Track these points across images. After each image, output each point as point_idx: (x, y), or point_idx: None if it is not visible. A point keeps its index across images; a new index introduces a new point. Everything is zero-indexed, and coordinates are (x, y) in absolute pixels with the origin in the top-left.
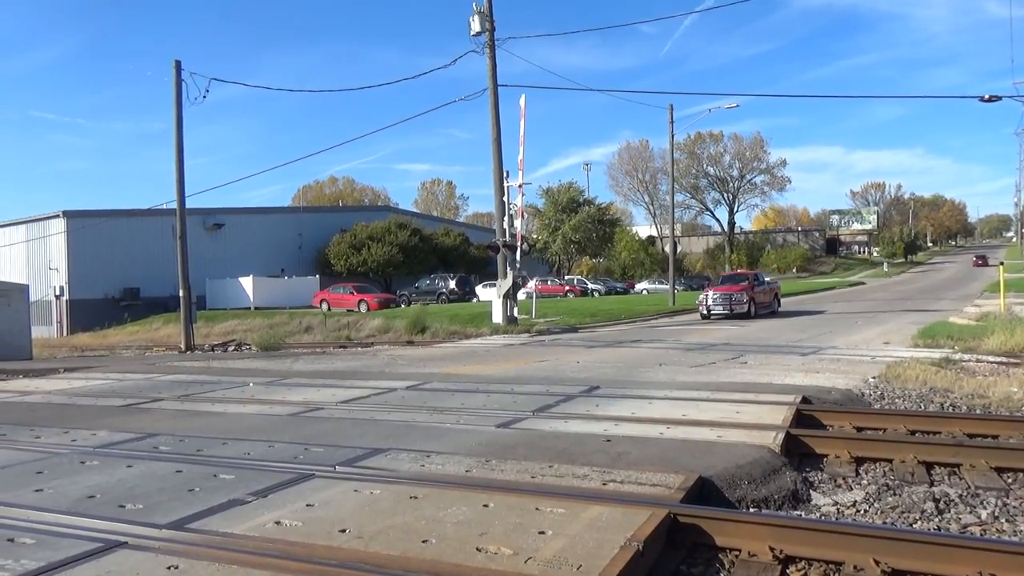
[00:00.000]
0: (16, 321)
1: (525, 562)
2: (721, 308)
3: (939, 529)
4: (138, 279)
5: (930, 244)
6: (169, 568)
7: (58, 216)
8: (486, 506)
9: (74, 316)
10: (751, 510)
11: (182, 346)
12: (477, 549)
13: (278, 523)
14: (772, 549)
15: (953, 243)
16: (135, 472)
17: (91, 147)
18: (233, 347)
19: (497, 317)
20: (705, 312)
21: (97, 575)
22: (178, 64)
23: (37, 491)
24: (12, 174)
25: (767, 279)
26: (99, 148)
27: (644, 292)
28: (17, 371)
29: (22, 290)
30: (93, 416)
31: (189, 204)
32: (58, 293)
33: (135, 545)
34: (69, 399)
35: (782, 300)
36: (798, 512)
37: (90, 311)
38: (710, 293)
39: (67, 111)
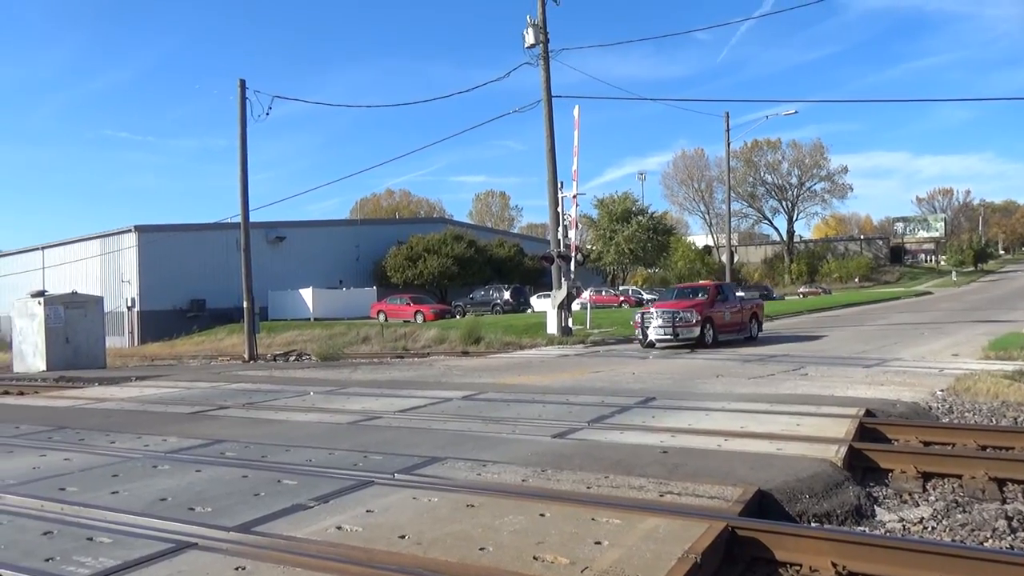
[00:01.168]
0: (92, 332)
1: (582, 572)
2: (662, 332)
3: (1012, 548)
4: (204, 291)
5: (1002, 252)
6: (237, 569)
7: (130, 231)
8: (542, 515)
9: (144, 327)
10: (812, 525)
11: (245, 356)
12: (534, 558)
13: (339, 528)
14: (835, 565)
15: None
16: (203, 476)
17: (160, 163)
18: (294, 357)
19: (551, 328)
20: (641, 337)
21: (170, 574)
22: (243, 83)
23: (113, 493)
24: (87, 190)
25: (742, 294)
26: (167, 164)
27: None
28: (93, 379)
29: (97, 302)
30: (163, 422)
31: (252, 218)
32: (130, 304)
33: (204, 546)
34: (141, 406)
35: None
36: (862, 528)
37: (159, 322)
38: (652, 311)
39: (138, 129)
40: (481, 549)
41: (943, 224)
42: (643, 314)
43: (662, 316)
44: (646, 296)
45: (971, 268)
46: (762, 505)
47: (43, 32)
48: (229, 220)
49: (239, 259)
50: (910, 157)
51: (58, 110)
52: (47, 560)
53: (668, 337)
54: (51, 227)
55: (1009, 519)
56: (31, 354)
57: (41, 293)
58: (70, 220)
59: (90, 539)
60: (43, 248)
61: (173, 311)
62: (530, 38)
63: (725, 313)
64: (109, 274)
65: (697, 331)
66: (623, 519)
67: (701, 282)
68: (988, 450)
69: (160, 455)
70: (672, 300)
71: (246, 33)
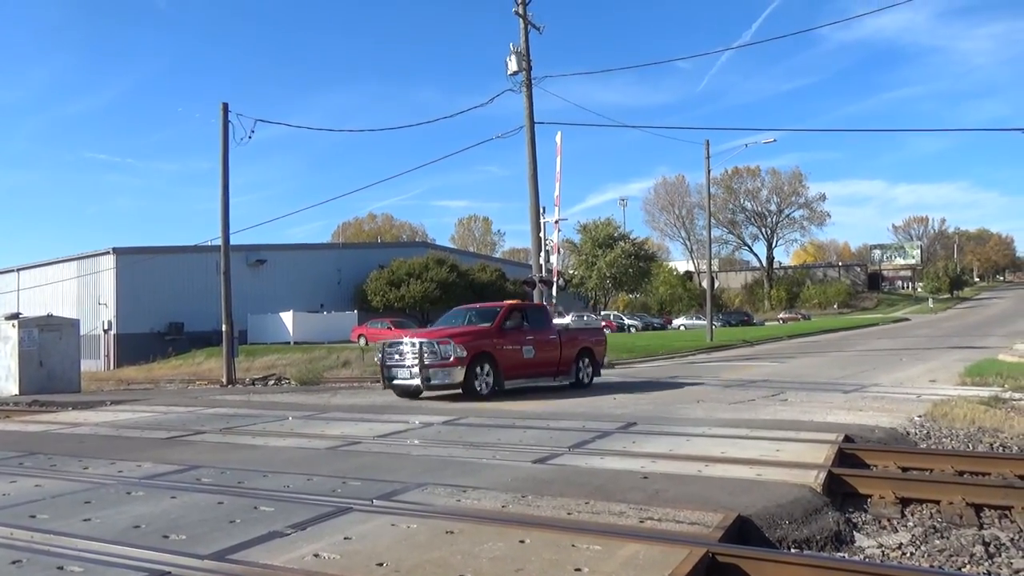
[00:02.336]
0: (67, 355)
1: None
2: (407, 374)
3: (989, 574)
4: (182, 314)
5: (976, 279)
6: None
7: (108, 253)
8: (522, 542)
9: (121, 350)
10: (792, 550)
11: (224, 380)
12: None
13: (317, 556)
14: None
15: (1001, 278)
16: (178, 503)
17: (140, 186)
18: (273, 381)
19: None
20: (385, 379)
21: None
22: (225, 106)
23: (85, 520)
24: (65, 212)
25: (567, 320)
26: (147, 187)
27: (681, 328)
28: (67, 403)
29: (73, 325)
30: (139, 448)
31: (232, 241)
32: (106, 327)
33: (178, 575)
34: (116, 431)
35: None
36: (841, 554)
37: (136, 345)
38: (402, 341)
39: (118, 152)
40: None
41: (919, 251)
42: (386, 345)
43: (411, 349)
44: (626, 321)
45: (947, 295)
46: (742, 531)
47: (24, 54)
48: (209, 243)
49: (219, 282)
50: (886, 185)
51: (37, 132)
52: None
53: (413, 383)
54: (28, 249)
55: (986, 544)
56: (3, 377)
57: (15, 315)
58: (48, 242)
59: (60, 568)
60: (19, 270)
61: (150, 334)
62: (513, 65)
63: (524, 348)
64: (86, 296)
65: (460, 374)
66: (603, 545)
67: (491, 304)
68: (965, 476)
69: (134, 481)
70: (440, 329)
71: (230, 56)
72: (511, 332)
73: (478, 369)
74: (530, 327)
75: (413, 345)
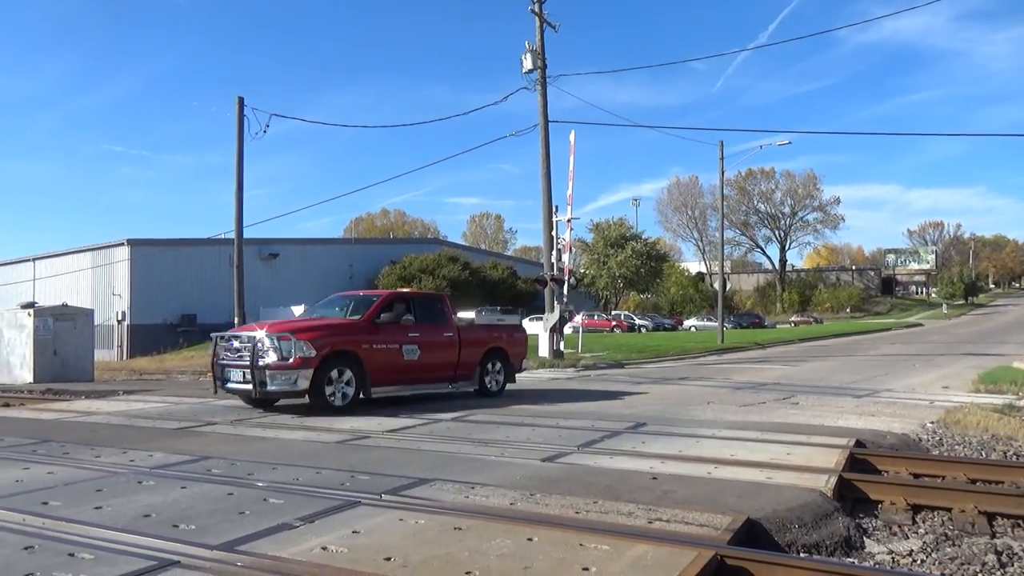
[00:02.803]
0: (81, 345)
1: None
2: (240, 376)
3: None
4: (195, 306)
5: (992, 286)
6: None
7: (123, 244)
8: (530, 540)
9: (134, 340)
10: (801, 555)
11: None
12: None
13: (325, 548)
14: None
15: (1017, 285)
16: (189, 493)
17: (155, 179)
18: None
19: (543, 351)
20: (218, 381)
21: None
22: (241, 100)
23: (97, 508)
24: (80, 204)
25: (471, 315)
26: (162, 180)
27: (692, 329)
28: (80, 392)
29: (87, 315)
30: (150, 438)
31: (246, 234)
32: (120, 318)
33: (187, 564)
34: (128, 420)
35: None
36: (851, 559)
37: (149, 336)
38: (238, 336)
39: (133, 144)
40: (468, 573)
41: (934, 257)
42: (220, 339)
43: (246, 345)
44: (637, 321)
45: (961, 301)
46: (751, 534)
47: (41, 47)
48: (222, 236)
49: (231, 275)
50: (902, 190)
51: (53, 124)
52: (27, 575)
53: (245, 387)
54: (44, 239)
55: (999, 553)
56: (18, 365)
57: (31, 304)
58: (63, 233)
59: (71, 555)
60: (34, 259)
61: (163, 325)
62: (528, 63)
63: (405, 347)
64: (100, 287)
65: (306, 378)
66: (612, 545)
67: (366, 291)
68: (978, 483)
69: (145, 471)
70: (302, 318)
71: (246, 52)
72: (387, 328)
73: (335, 373)
74: (417, 322)
75: (249, 340)
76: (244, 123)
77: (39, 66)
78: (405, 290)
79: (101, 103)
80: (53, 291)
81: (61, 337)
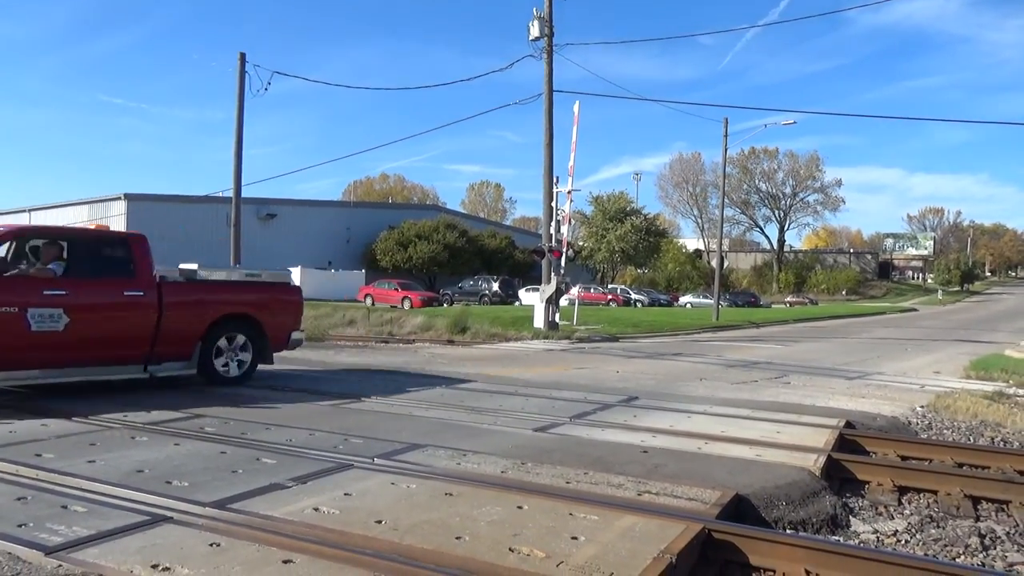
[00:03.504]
0: None
1: (557, 566)
2: None
3: (983, 565)
4: (191, 263)
5: (988, 274)
6: (211, 545)
7: (120, 198)
8: (520, 508)
9: None
10: (788, 531)
11: None
12: (510, 549)
13: (316, 509)
14: (808, 572)
15: (1013, 274)
16: (182, 450)
17: (154, 132)
18: None
19: (539, 322)
20: None
21: (143, 546)
22: (243, 56)
23: (90, 462)
24: (78, 155)
25: (190, 267)
26: (161, 134)
27: (688, 306)
28: None
29: None
30: (143, 394)
31: (244, 193)
32: None
33: (179, 520)
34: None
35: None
36: (836, 537)
37: None
38: None
39: (133, 96)
40: (457, 538)
41: (932, 243)
42: None
43: None
44: (633, 296)
45: (957, 288)
46: (739, 509)
47: None
48: (221, 194)
49: (228, 234)
50: (903, 174)
51: (53, 71)
52: (20, 526)
53: None
54: (40, 190)
55: (982, 536)
56: None
57: None
58: (60, 184)
59: (64, 507)
60: (30, 211)
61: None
62: (535, 31)
63: (39, 312)
64: None
65: None
66: (600, 516)
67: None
68: (965, 468)
69: (139, 426)
70: None
71: (250, 5)
72: (9, 282)
73: None
74: (74, 275)
75: None
76: (245, 80)
77: (42, 10)
78: (54, 227)
79: (102, 52)
80: None
81: None
